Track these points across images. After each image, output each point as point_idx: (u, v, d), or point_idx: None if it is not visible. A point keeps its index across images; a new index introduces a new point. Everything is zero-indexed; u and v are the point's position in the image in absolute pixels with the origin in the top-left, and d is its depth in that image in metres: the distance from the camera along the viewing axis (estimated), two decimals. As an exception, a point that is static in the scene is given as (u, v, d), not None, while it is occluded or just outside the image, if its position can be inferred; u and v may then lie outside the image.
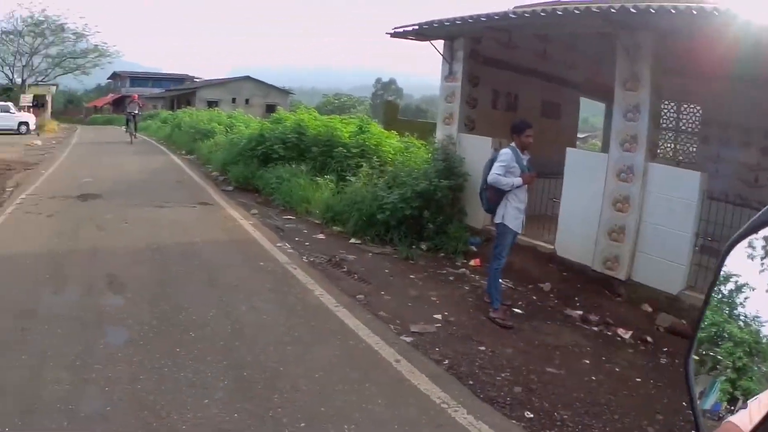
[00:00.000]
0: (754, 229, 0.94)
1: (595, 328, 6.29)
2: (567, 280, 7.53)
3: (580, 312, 6.65)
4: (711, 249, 6.46)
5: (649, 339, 6.04)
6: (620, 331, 6.20)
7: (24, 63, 43.08)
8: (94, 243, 8.17)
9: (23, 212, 10.04)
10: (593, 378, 5.05)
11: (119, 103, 55.48)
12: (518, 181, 6.14)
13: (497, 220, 6.35)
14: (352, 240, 9.15)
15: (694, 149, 10.96)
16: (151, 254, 7.74)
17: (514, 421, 4.23)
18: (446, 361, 5.08)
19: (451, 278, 7.69)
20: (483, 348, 5.45)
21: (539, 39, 9.63)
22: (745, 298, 0.97)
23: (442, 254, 8.63)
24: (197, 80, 62.53)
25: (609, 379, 5.05)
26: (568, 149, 8.18)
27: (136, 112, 26.55)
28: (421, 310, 6.36)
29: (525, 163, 6.24)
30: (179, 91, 55.78)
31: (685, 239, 6.53)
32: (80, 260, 7.34)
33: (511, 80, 10.79)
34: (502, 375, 4.93)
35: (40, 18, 41.98)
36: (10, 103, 33.02)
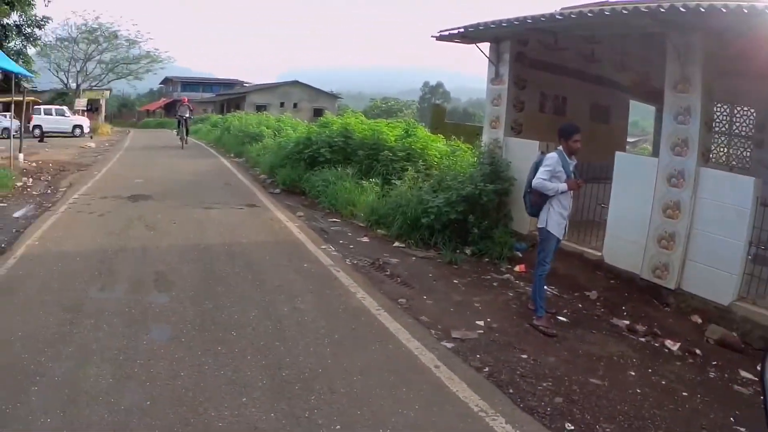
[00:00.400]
0: None
1: (642, 339, 6.09)
2: (614, 289, 7.33)
3: (627, 321, 6.46)
4: (765, 258, 6.22)
5: (697, 351, 5.82)
6: (668, 342, 5.99)
7: (78, 69, 44.84)
8: (143, 242, 8.40)
9: (75, 211, 10.43)
10: (638, 390, 4.88)
11: (171, 107, 56.96)
12: (563, 186, 6.00)
13: (540, 224, 6.24)
14: (396, 243, 9.13)
15: (748, 154, 10.54)
16: (198, 254, 7.90)
17: (553, 433, 4.13)
18: (486, 369, 5.02)
19: (495, 284, 7.59)
20: (525, 356, 5.35)
21: (586, 40, 9.38)
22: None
23: (487, 259, 8.57)
24: (247, 84, 63.67)
25: (654, 392, 4.87)
26: (617, 153, 7.93)
27: (187, 115, 26.95)
28: (464, 315, 6.29)
29: (571, 168, 6.10)
30: (229, 96, 56.89)
31: (738, 248, 6.27)
32: (129, 258, 7.56)
33: (558, 83, 10.61)
34: (544, 384, 4.82)
35: (94, 25, 43.67)
36: (65, 107, 34.52)
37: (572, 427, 4.20)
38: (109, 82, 48.52)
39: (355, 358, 4.94)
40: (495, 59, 9.87)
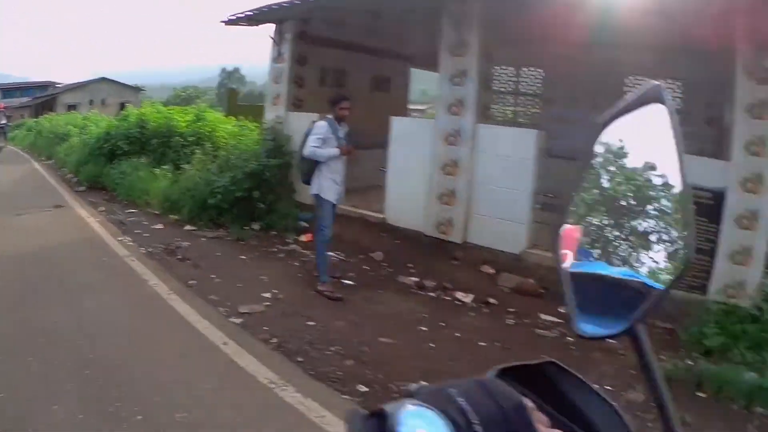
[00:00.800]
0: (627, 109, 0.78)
1: (432, 294, 6.13)
2: (400, 248, 7.41)
3: (415, 279, 6.48)
4: (554, 206, 6.48)
5: (492, 301, 5.95)
6: (459, 294, 6.07)
7: None
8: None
9: None
10: (431, 345, 4.85)
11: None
12: (335, 152, 6.02)
13: (313, 191, 6.18)
14: (188, 227, 8.80)
15: (537, 111, 11.06)
16: (8, 261, 7.07)
17: (346, 396, 3.98)
18: (274, 340, 4.82)
19: (281, 256, 7.45)
20: (312, 323, 5.15)
21: (372, 16, 9.51)
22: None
23: (274, 233, 8.40)
24: (59, 86, 59.31)
25: (450, 345, 4.87)
26: (393, 118, 8.04)
27: (3, 122, 24.87)
28: (251, 289, 6.04)
29: (341, 134, 6.12)
30: (43, 98, 53.63)
31: (524, 198, 6.57)
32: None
33: (340, 57, 10.65)
34: (333, 349, 4.65)
35: None
36: None
37: (365, 389, 4.07)
38: None
39: (151, 346, 4.73)
40: (278, 39, 9.74)
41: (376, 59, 11.51)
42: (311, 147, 5.98)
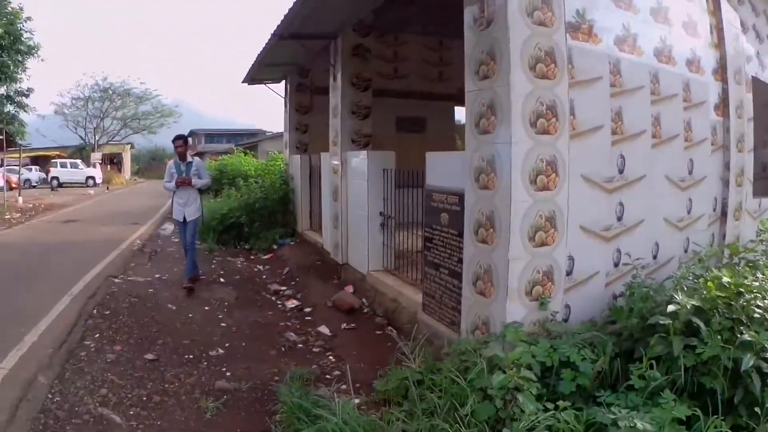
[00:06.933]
0: None
1: (274, 298, 7.39)
2: (313, 267, 8.69)
3: (284, 287, 7.80)
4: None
5: (307, 310, 6.88)
6: (289, 302, 7.15)
7: (95, 125, 48.33)
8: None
9: (26, 227, 14.13)
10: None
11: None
12: (172, 186, 7.53)
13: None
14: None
15: None
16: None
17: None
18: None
19: (229, 258, 9.77)
20: (152, 290, 7.26)
21: None
22: None
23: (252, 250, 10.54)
24: (268, 133, 64.42)
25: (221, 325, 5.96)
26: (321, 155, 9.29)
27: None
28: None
29: (183, 168, 7.55)
30: (246, 144, 55.57)
31: (364, 219, 7.12)
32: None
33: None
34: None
35: (105, 85, 47.34)
36: (78, 160, 38.45)
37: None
38: (126, 136, 51.56)
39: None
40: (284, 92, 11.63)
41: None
42: (164, 183, 7.69)
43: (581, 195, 4.14)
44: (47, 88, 35.58)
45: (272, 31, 7.97)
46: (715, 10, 5.63)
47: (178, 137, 7.66)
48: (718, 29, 5.63)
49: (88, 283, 7.51)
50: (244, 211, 10.60)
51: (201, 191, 7.71)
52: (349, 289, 7.35)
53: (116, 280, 7.65)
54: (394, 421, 3.45)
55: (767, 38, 7.08)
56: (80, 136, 48.28)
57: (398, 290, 6.19)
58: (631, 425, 2.70)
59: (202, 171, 7.67)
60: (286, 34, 7.89)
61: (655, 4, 4.85)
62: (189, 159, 7.61)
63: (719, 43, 5.65)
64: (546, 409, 2.98)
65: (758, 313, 3.25)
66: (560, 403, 3.00)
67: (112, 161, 47.83)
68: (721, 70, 5.67)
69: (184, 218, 7.56)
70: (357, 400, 4.03)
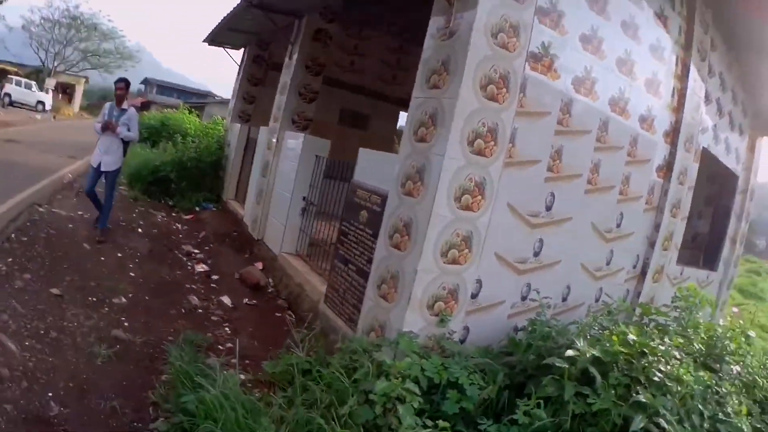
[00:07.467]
0: None
1: (185, 258, 7.16)
2: (229, 235, 8.50)
3: (196, 250, 7.56)
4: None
5: (215, 277, 6.73)
6: (198, 266, 6.95)
7: (56, 50, 46.76)
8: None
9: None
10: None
11: (146, 107, 57.12)
12: (97, 126, 7.08)
13: None
14: (122, 188, 10.30)
15: None
16: None
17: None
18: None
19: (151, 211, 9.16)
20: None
21: None
22: None
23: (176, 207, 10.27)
24: (217, 97, 63.75)
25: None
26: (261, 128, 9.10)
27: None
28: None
29: (116, 114, 7.10)
30: (193, 105, 55.71)
31: (287, 200, 7.08)
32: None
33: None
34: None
35: (75, 14, 45.86)
36: (33, 83, 36.21)
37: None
38: (82, 69, 50.07)
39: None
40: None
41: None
42: (94, 122, 7.23)
43: (503, 223, 4.13)
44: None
45: (243, -4, 7.76)
46: (683, 76, 5.73)
47: (120, 79, 7.26)
48: (680, 94, 5.73)
49: (12, 206, 7.08)
50: (175, 167, 10.33)
51: (125, 144, 7.28)
52: (259, 265, 7.27)
53: (40, 209, 7.21)
54: (273, 405, 3.37)
55: (728, 115, 7.29)
56: (41, 59, 46.55)
57: (305, 277, 6.13)
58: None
59: (133, 123, 7.17)
60: (255, 1, 7.84)
61: (623, 55, 4.90)
62: (125, 106, 7.18)
63: (678, 108, 5.75)
64: (425, 426, 2.94)
65: (658, 377, 3.26)
66: (440, 422, 2.96)
67: (65, 91, 45.99)
68: (673, 134, 5.77)
69: (99, 165, 7.06)
70: (243, 377, 4.00)
